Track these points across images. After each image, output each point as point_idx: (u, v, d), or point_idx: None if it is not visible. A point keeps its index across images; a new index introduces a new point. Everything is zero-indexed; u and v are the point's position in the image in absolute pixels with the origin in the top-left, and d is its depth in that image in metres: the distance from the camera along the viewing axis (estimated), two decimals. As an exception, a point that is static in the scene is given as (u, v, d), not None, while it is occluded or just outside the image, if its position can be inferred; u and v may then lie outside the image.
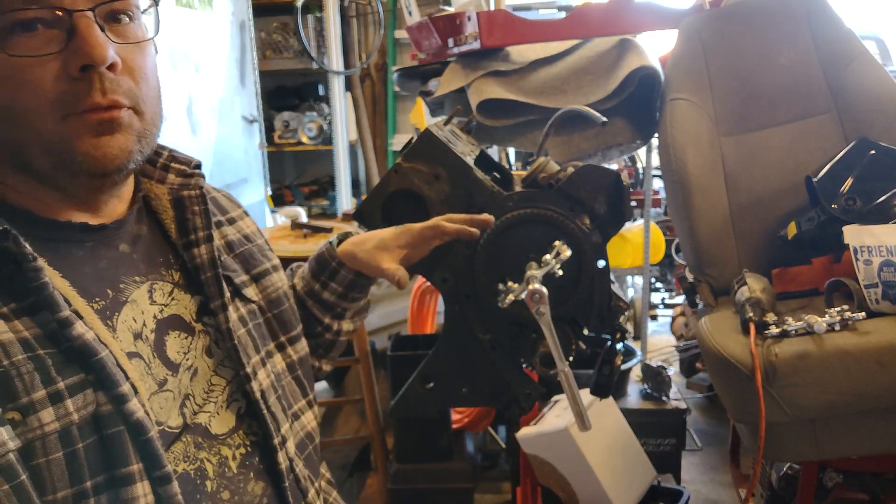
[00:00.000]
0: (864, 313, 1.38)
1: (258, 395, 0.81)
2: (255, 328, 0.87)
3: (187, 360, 0.77)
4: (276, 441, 0.82)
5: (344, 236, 1.07)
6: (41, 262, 0.65)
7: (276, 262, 0.97)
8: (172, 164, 0.85)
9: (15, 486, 0.58)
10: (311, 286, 1.06)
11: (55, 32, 0.66)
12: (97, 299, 0.71)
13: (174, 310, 0.79)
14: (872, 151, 1.59)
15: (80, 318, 0.66)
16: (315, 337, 1.07)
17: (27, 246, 0.64)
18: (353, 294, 1.06)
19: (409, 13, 2.68)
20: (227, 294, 0.82)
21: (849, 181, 1.56)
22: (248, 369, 0.81)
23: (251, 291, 0.89)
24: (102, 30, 0.68)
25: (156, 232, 0.82)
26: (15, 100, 0.66)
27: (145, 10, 0.75)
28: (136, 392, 0.67)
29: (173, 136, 3.03)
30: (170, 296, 0.79)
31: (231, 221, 0.94)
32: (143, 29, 0.75)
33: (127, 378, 0.67)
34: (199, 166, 0.86)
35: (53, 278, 0.67)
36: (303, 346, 0.96)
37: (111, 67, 0.68)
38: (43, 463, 0.61)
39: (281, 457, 0.82)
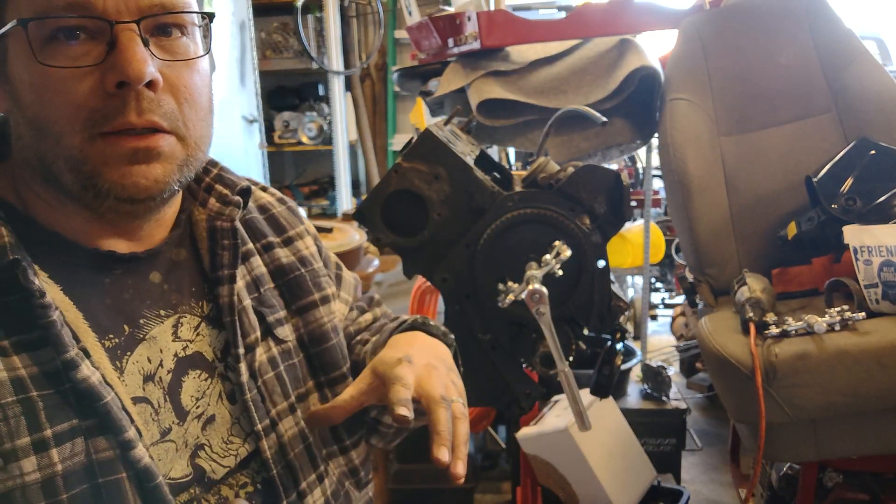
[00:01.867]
0: (864, 313, 1.38)
1: (269, 454, 0.74)
2: (288, 370, 0.79)
3: (198, 407, 0.71)
4: (289, 500, 0.75)
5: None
6: (50, 296, 0.61)
7: (330, 291, 0.88)
8: (216, 187, 0.78)
9: None
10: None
11: (96, 44, 0.61)
12: (110, 336, 0.66)
13: (198, 346, 0.73)
14: (872, 151, 1.59)
15: (88, 356, 0.62)
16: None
17: (35, 281, 0.60)
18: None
19: (409, 13, 2.68)
20: (256, 336, 0.76)
21: (849, 181, 1.56)
22: (263, 424, 0.74)
23: (286, 330, 0.81)
24: (146, 44, 0.62)
25: (194, 258, 0.76)
26: (45, 111, 0.61)
27: (201, 25, 0.68)
28: (140, 436, 0.63)
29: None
30: (195, 330, 0.73)
31: (288, 242, 0.86)
32: (198, 45, 0.68)
33: (132, 422, 0.63)
34: (245, 191, 0.79)
35: (66, 310, 0.62)
36: (347, 381, 0.86)
37: (150, 86, 0.62)
38: None
39: None
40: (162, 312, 0.71)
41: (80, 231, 0.67)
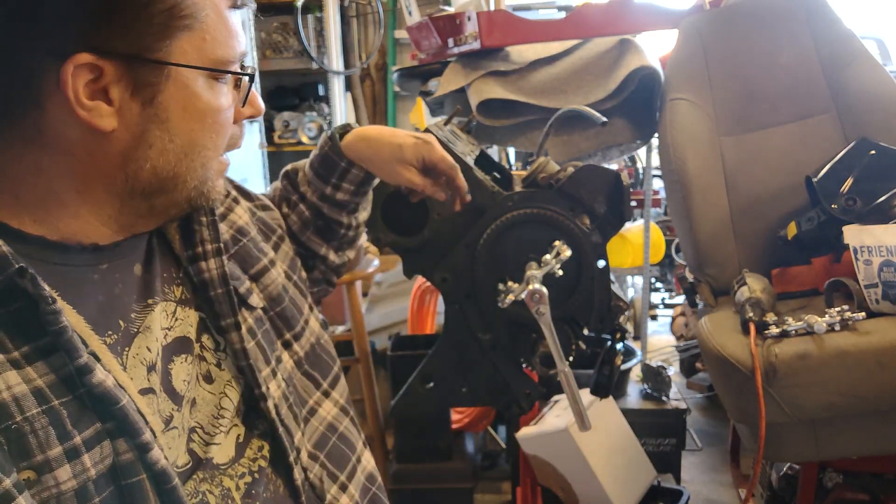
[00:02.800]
0: (864, 313, 1.38)
1: (273, 413, 0.78)
2: (264, 336, 0.84)
3: (189, 391, 0.73)
4: (292, 458, 0.79)
5: (343, 129, 1.04)
6: (60, 303, 0.62)
7: (272, 255, 0.93)
8: None
9: None
10: (321, 190, 1.03)
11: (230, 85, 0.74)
12: (109, 333, 0.67)
13: (179, 331, 0.75)
14: (872, 151, 1.59)
15: (98, 360, 0.63)
16: (338, 238, 1.07)
17: (46, 287, 0.60)
18: (364, 188, 1.05)
19: (409, 13, 2.68)
20: (237, 304, 0.79)
21: (849, 181, 1.56)
22: (263, 388, 0.78)
23: (255, 298, 0.85)
24: None
25: (163, 243, 0.79)
26: (205, 138, 0.71)
27: None
28: (155, 437, 0.64)
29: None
30: (173, 316, 0.75)
31: (222, 217, 0.89)
32: None
33: (147, 423, 0.64)
34: None
35: (68, 315, 0.63)
36: (307, 337, 0.93)
37: None
38: None
39: (297, 472, 0.79)
40: (149, 302, 0.72)
41: (64, 232, 0.67)
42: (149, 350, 0.69)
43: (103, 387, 0.61)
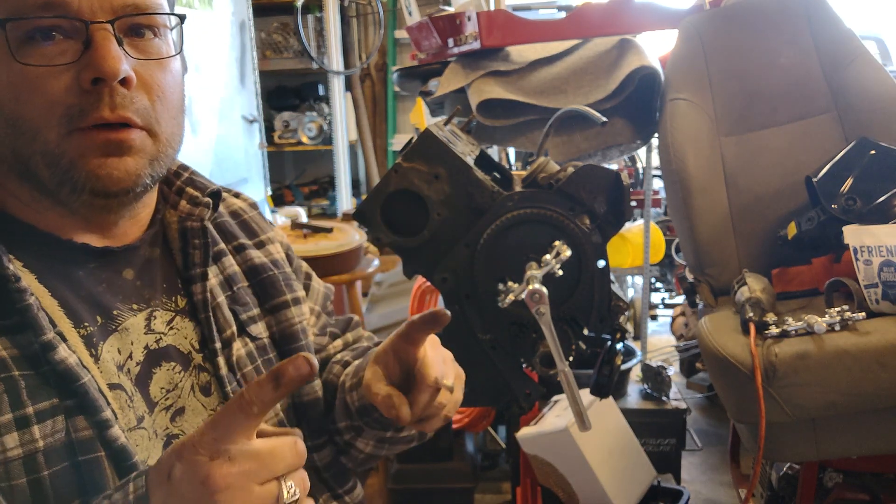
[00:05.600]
0: (864, 313, 1.38)
1: None
2: (265, 364, 0.82)
3: (167, 399, 0.73)
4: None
5: None
6: (25, 282, 0.63)
7: (300, 294, 0.91)
8: (187, 189, 0.80)
9: None
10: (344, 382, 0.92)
11: (71, 43, 0.64)
12: (85, 324, 0.68)
13: (172, 340, 0.75)
14: (872, 151, 1.59)
15: (65, 340, 0.64)
16: (330, 433, 0.92)
17: (10, 266, 0.62)
18: (369, 418, 0.89)
19: (409, 13, 2.68)
20: (231, 331, 0.78)
21: (849, 181, 1.56)
22: None
23: (260, 327, 0.83)
24: (120, 43, 0.65)
25: (167, 257, 0.79)
26: (22, 108, 0.64)
27: (174, 28, 0.72)
28: (116, 418, 0.65)
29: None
30: (169, 324, 0.75)
31: (260, 245, 0.89)
32: (170, 46, 0.71)
33: (108, 404, 0.65)
34: (215, 194, 0.82)
35: (41, 297, 0.65)
36: (314, 388, 0.89)
37: (124, 83, 0.65)
38: (6, 487, 0.59)
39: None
40: (135, 306, 0.73)
41: (53, 223, 0.69)
42: (119, 352, 0.70)
43: (66, 364, 0.62)
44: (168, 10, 0.70)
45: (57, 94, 0.63)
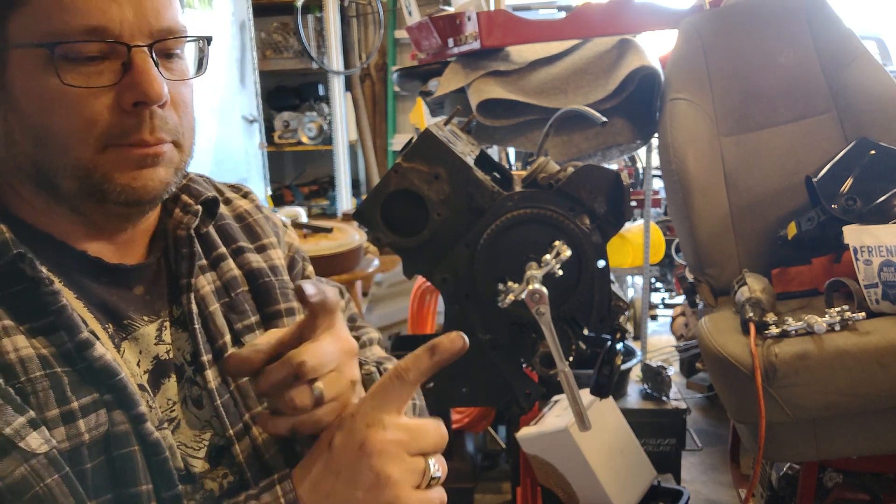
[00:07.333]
0: (864, 313, 1.38)
1: (241, 458, 0.74)
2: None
3: (173, 411, 0.73)
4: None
5: None
6: (58, 284, 0.65)
7: (294, 305, 0.89)
8: (182, 197, 0.80)
9: (48, 485, 0.58)
10: None
11: (108, 64, 0.65)
12: (107, 325, 0.69)
13: (175, 352, 0.75)
14: (872, 151, 1.59)
15: (98, 338, 0.65)
16: None
17: (43, 270, 0.64)
18: None
19: (409, 13, 2.69)
20: (224, 340, 0.77)
21: (849, 181, 1.56)
22: (236, 429, 0.74)
23: (256, 336, 0.81)
24: (157, 66, 0.67)
25: (167, 265, 0.79)
26: (55, 124, 0.65)
27: (200, 44, 0.74)
28: (150, 410, 0.66)
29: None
30: (171, 335, 0.76)
31: (261, 249, 0.88)
32: (188, 62, 0.74)
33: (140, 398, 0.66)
34: (209, 202, 0.81)
35: (70, 300, 0.66)
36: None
37: (161, 104, 0.67)
38: (55, 480, 0.59)
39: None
40: (146, 318, 0.73)
41: (64, 232, 0.70)
42: (133, 358, 0.71)
43: (104, 360, 0.64)
44: (186, 27, 0.73)
45: (97, 113, 0.65)
